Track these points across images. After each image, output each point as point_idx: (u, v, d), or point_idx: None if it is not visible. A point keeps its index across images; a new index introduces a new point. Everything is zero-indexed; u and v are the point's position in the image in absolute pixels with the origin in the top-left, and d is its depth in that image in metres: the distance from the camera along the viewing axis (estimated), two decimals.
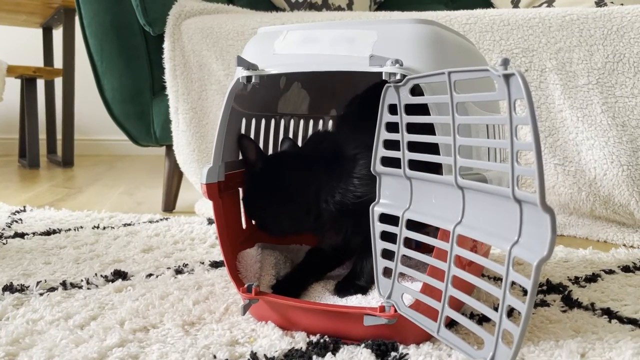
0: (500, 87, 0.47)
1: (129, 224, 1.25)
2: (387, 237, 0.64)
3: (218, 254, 1.00)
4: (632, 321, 0.70)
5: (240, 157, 0.81)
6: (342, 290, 0.74)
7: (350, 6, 1.83)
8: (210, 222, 1.28)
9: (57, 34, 2.76)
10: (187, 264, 0.93)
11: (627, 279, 0.88)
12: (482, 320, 0.69)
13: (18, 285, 0.80)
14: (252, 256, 0.77)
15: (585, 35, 1.10)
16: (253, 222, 0.82)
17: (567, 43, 1.11)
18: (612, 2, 1.63)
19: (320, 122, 0.98)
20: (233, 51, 1.28)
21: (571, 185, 1.14)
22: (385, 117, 0.61)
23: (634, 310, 0.73)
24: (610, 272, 0.91)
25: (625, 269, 0.93)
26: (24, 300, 0.76)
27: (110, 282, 0.84)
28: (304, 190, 0.74)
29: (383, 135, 0.62)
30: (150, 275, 0.87)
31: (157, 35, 1.38)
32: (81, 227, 1.20)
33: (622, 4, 1.48)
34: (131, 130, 1.47)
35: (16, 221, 1.26)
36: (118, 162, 2.89)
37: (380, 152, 0.63)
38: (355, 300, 0.70)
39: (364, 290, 0.73)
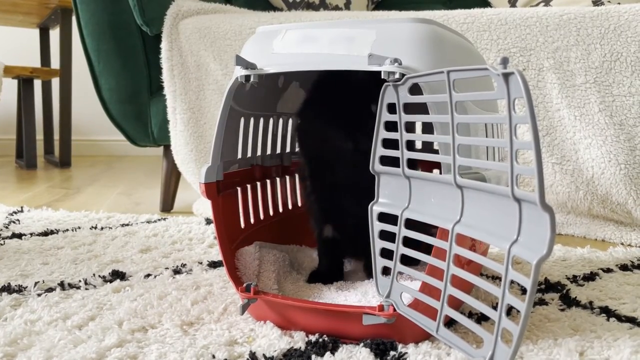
0: (499, 86, 0.47)
1: (127, 225, 1.25)
2: (386, 236, 0.64)
3: (216, 254, 1.00)
4: (630, 319, 0.70)
5: (240, 156, 0.81)
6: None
7: (347, 5, 1.83)
8: (208, 222, 1.28)
9: (54, 34, 2.75)
10: (186, 264, 0.93)
11: (625, 277, 0.88)
12: (480, 319, 0.69)
13: (16, 285, 0.80)
14: (251, 253, 0.77)
15: (583, 35, 1.10)
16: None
17: (564, 42, 1.11)
18: (609, 1, 1.64)
19: None
20: (231, 51, 1.28)
21: (569, 184, 1.14)
22: (384, 116, 0.61)
23: (632, 308, 0.74)
24: (608, 270, 0.92)
25: (623, 267, 0.93)
26: (22, 301, 0.75)
27: (109, 283, 0.83)
28: None
29: (382, 134, 0.62)
30: (148, 275, 0.87)
31: (154, 35, 1.38)
32: (79, 228, 1.20)
33: (619, 3, 1.48)
34: (129, 131, 1.47)
35: (14, 222, 1.26)
36: (116, 162, 2.88)
37: (379, 151, 0.63)
38: (354, 299, 0.70)
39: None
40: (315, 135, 0.75)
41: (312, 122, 0.76)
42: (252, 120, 0.83)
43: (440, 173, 0.58)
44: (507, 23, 1.14)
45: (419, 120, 0.60)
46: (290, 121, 0.95)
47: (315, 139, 0.76)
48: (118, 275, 0.86)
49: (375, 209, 0.64)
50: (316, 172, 0.78)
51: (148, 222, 1.28)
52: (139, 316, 0.69)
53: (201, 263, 0.93)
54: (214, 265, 0.93)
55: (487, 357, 0.50)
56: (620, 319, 0.70)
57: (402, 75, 0.58)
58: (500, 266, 0.49)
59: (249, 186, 0.86)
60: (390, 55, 0.59)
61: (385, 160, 0.63)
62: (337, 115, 0.71)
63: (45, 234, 1.14)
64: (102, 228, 1.21)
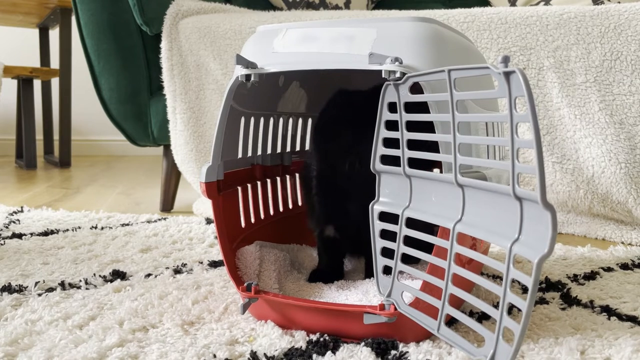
0: (500, 84, 0.47)
1: (127, 224, 1.25)
2: (387, 235, 0.63)
3: (216, 254, 1.00)
4: (631, 318, 0.70)
5: (240, 156, 0.81)
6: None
7: (347, 5, 1.83)
8: (208, 221, 1.28)
9: (54, 34, 2.75)
10: (186, 264, 0.93)
11: (626, 276, 0.88)
12: (481, 318, 0.69)
13: (16, 285, 0.80)
14: (252, 253, 0.76)
15: (583, 33, 1.10)
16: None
17: (564, 41, 1.11)
18: (609, 0, 1.64)
19: None
20: (230, 50, 1.28)
21: (569, 183, 1.14)
22: (385, 115, 0.61)
23: (633, 307, 0.74)
24: (609, 269, 0.92)
25: (624, 266, 0.93)
26: (23, 301, 0.75)
27: (109, 282, 0.83)
28: None
29: (382, 133, 0.62)
30: (148, 275, 0.87)
31: (154, 35, 1.37)
32: (79, 228, 1.20)
33: (619, 2, 1.48)
34: (129, 130, 1.47)
35: (14, 222, 1.26)
36: (115, 162, 2.88)
37: (380, 150, 0.63)
38: (355, 298, 0.70)
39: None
40: (342, 144, 0.74)
41: (339, 130, 0.74)
42: (252, 120, 0.83)
43: (441, 172, 0.58)
44: (507, 22, 1.14)
45: (419, 119, 0.60)
46: (291, 121, 0.95)
47: (340, 148, 0.74)
48: (118, 275, 0.86)
49: (376, 208, 0.64)
50: (327, 176, 0.77)
51: (148, 221, 1.28)
52: (140, 316, 0.69)
53: (202, 262, 0.93)
54: (214, 264, 0.93)
55: (489, 356, 0.50)
56: (621, 317, 0.70)
57: (403, 74, 0.58)
58: (501, 265, 0.49)
59: (249, 185, 0.86)
60: (391, 54, 0.59)
61: (386, 160, 0.63)
62: (370, 129, 0.67)
63: (46, 233, 1.14)
64: (102, 228, 1.21)
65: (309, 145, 0.99)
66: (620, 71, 1.08)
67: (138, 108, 1.43)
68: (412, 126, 0.60)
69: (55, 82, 2.71)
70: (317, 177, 0.78)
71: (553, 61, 1.12)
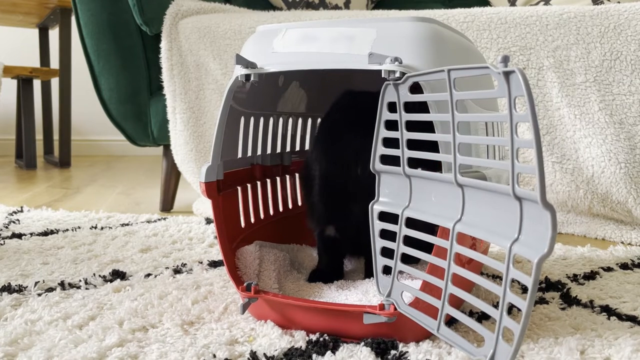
0: (500, 84, 0.47)
1: (127, 224, 1.25)
2: (387, 235, 0.63)
3: (216, 254, 1.00)
4: (630, 318, 0.70)
5: (240, 156, 0.81)
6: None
7: (347, 5, 1.83)
8: (208, 221, 1.28)
9: (54, 34, 2.75)
10: (186, 264, 0.93)
11: (626, 276, 0.88)
12: (481, 317, 0.69)
13: (16, 285, 0.80)
14: (251, 252, 0.77)
15: (583, 33, 1.10)
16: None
17: (564, 41, 1.11)
18: (609, 0, 1.64)
19: (319, 121, 0.98)
20: (230, 50, 1.28)
21: (569, 183, 1.14)
22: (385, 115, 0.61)
23: (633, 307, 0.74)
24: (609, 269, 0.92)
25: (624, 266, 0.94)
26: (22, 301, 0.75)
27: (109, 282, 0.83)
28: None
29: (382, 133, 0.62)
30: (148, 275, 0.87)
31: (154, 35, 1.38)
32: (79, 228, 1.20)
33: (618, 2, 1.48)
34: (128, 130, 1.47)
35: (14, 222, 1.26)
36: (115, 162, 2.88)
37: (380, 150, 0.63)
38: (355, 298, 0.70)
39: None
40: (349, 149, 0.73)
41: (346, 133, 0.74)
42: (252, 120, 0.83)
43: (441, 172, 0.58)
44: (507, 22, 1.14)
45: (419, 119, 0.60)
46: (291, 120, 0.95)
47: (348, 153, 0.73)
48: (118, 274, 0.86)
49: (376, 208, 0.64)
50: (330, 178, 0.77)
51: (148, 221, 1.28)
52: (140, 316, 0.69)
53: (201, 262, 0.93)
54: (214, 264, 0.93)
55: (488, 355, 0.50)
56: (621, 317, 0.70)
57: (403, 74, 0.58)
58: (501, 265, 0.49)
59: (249, 185, 0.86)
60: (391, 54, 0.59)
61: (386, 160, 0.63)
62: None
63: (45, 233, 1.14)
64: (102, 228, 1.21)
65: (309, 145, 0.99)
66: (620, 71, 1.08)
67: (138, 108, 1.43)
68: (411, 126, 0.60)
69: (55, 82, 2.71)
70: (320, 179, 0.78)
71: (553, 61, 1.12)
